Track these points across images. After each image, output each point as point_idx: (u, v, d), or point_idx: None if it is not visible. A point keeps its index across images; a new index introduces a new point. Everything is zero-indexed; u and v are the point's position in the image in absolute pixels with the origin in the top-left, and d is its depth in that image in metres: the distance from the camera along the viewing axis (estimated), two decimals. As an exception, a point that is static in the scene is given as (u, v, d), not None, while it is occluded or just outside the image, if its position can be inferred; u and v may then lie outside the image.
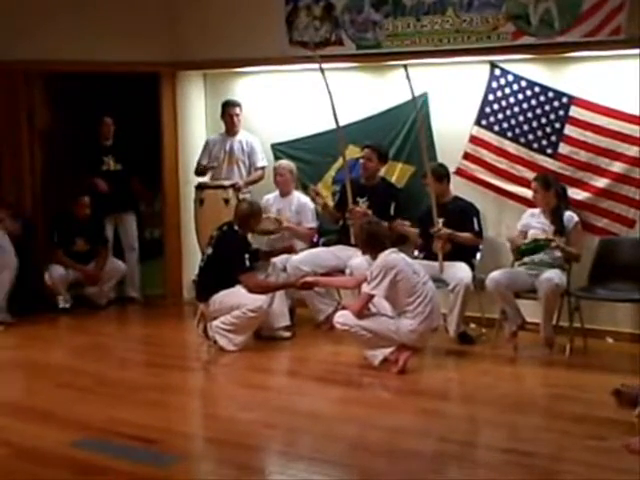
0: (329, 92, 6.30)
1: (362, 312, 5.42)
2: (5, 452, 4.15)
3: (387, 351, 5.41)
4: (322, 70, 6.31)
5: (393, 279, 5.31)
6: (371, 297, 5.40)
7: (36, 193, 7.55)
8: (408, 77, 6.06)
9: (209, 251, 6.20)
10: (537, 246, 5.80)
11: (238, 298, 5.92)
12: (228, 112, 7.29)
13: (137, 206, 7.95)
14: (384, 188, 6.68)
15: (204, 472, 4.12)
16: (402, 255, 5.55)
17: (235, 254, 6.04)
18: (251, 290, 5.96)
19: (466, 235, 6.16)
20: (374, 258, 5.47)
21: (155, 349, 5.61)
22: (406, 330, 5.35)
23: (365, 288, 5.42)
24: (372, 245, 5.54)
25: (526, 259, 5.95)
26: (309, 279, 6.01)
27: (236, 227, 6.15)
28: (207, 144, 7.45)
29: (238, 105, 7.31)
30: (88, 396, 5.10)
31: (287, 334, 6.29)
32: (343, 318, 5.50)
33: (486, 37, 6.18)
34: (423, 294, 5.36)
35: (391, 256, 5.41)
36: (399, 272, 5.32)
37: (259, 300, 5.91)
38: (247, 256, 6.05)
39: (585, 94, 6.17)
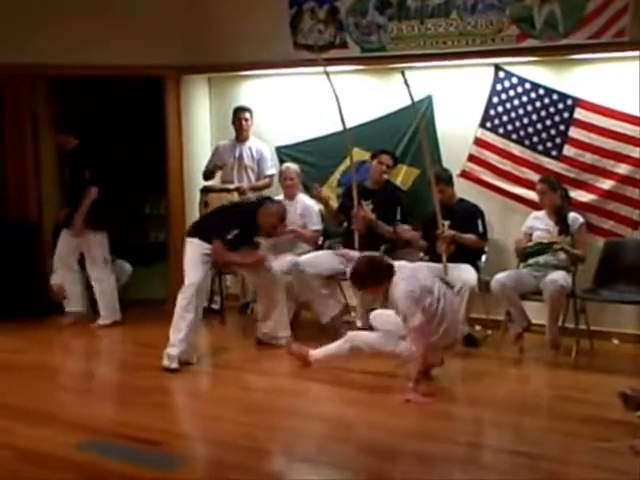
0: (335, 95, 6.27)
1: (426, 353, 4.96)
2: (8, 455, 4.14)
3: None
4: (327, 73, 6.29)
5: (420, 299, 4.97)
6: (422, 325, 4.94)
7: (41, 197, 7.56)
8: (406, 83, 6.01)
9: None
10: (541, 249, 5.82)
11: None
12: (238, 116, 7.30)
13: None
14: (389, 191, 6.67)
15: (207, 474, 4.11)
16: (412, 271, 5.19)
17: (229, 221, 5.92)
18: (213, 257, 5.80)
19: (470, 237, 6.15)
20: (386, 290, 5.07)
21: (158, 352, 5.59)
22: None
23: (409, 324, 4.94)
24: (376, 280, 5.12)
25: (531, 261, 5.96)
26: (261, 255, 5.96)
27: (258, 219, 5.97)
28: (217, 149, 7.47)
29: (248, 110, 7.32)
30: (91, 399, 5.12)
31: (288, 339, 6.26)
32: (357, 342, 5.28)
33: (490, 40, 6.19)
34: (436, 314, 5.06)
35: (407, 283, 4.98)
36: (422, 291, 4.99)
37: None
38: (237, 232, 5.85)
39: (589, 96, 6.17)
